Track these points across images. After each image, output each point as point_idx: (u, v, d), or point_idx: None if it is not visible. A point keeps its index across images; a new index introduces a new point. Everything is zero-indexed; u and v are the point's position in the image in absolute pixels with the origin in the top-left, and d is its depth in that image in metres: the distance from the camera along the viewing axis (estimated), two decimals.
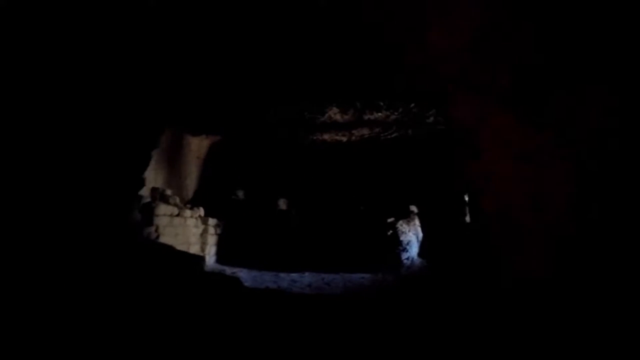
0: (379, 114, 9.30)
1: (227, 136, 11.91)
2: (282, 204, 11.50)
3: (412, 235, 9.76)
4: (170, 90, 7.79)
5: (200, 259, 6.77)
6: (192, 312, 4.70)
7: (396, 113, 9.27)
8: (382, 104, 8.66)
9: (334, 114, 9.37)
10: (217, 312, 4.87)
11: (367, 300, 6.27)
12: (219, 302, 5.34)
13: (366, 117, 9.55)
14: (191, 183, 12.08)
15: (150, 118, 8.60)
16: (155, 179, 9.95)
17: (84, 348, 3.48)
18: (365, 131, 10.89)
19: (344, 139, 11.67)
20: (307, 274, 8.69)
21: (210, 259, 9.65)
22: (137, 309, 4.54)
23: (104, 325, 3.95)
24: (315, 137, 11.64)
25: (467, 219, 11.25)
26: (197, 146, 12.07)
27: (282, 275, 8.52)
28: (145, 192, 8.74)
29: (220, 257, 10.11)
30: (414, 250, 9.71)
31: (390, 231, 9.48)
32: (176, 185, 11.02)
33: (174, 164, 10.98)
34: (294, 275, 8.47)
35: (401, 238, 9.46)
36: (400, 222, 9.71)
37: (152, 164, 9.82)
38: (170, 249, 6.60)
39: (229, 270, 8.84)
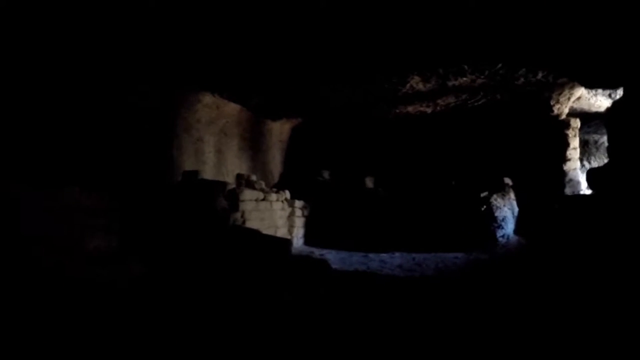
0: (464, 78, 8.60)
1: (308, 118, 11.84)
2: (369, 182, 11.23)
3: (507, 210, 9.00)
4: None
5: (286, 242, 6.73)
6: (278, 296, 4.64)
7: (482, 77, 8.50)
8: (466, 67, 7.96)
9: (416, 83, 8.82)
10: (304, 296, 4.78)
11: (462, 283, 5.85)
12: (307, 285, 5.25)
13: (450, 83, 8.89)
14: (275, 167, 12.22)
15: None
16: (240, 166, 10.15)
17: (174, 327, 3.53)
18: (450, 99, 10.19)
19: (429, 110, 11.05)
20: (397, 254, 8.38)
21: (297, 241, 9.69)
22: (225, 293, 4.57)
23: (190, 309, 3.98)
24: (398, 111, 11.14)
25: (567, 190, 10.23)
26: (278, 130, 12.14)
27: (371, 255, 8.30)
28: (230, 179, 8.93)
29: (308, 239, 10.13)
30: (509, 227, 8.95)
31: (484, 206, 8.81)
32: (261, 170, 11.19)
33: (257, 150, 11.15)
34: (384, 256, 8.21)
35: (496, 214, 8.76)
36: (494, 196, 8.99)
37: (235, 151, 10.04)
38: (256, 233, 6.63)
39: (317, 252, 8.80)
